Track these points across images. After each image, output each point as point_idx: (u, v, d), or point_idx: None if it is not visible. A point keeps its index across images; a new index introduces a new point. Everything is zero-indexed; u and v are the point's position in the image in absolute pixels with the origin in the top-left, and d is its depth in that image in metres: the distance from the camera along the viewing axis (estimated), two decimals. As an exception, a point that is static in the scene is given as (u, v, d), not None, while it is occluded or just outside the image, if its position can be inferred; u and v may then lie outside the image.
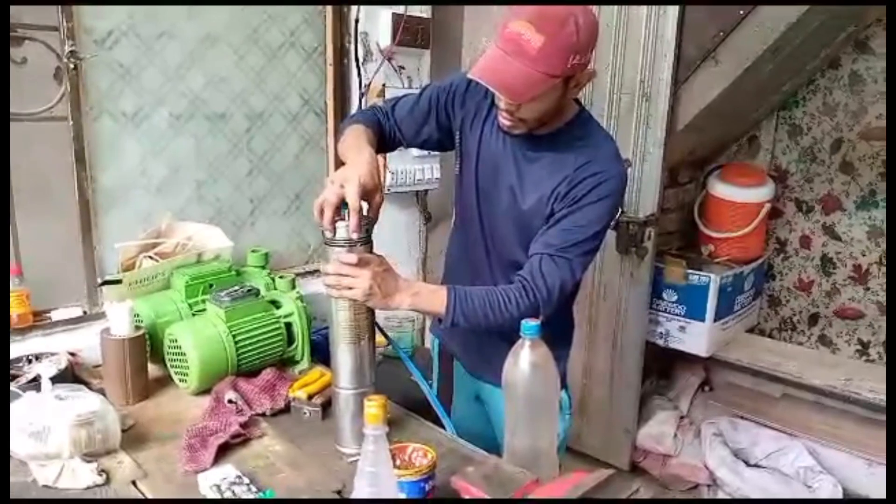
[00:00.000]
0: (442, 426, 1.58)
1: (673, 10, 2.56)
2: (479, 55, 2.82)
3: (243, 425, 1.49)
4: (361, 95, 2.40)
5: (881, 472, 2.77)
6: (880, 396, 2.72)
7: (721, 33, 2.58)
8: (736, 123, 3.24)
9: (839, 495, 2.77)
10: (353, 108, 2.42)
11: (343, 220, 1.34)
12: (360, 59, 2.40)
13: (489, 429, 1.79)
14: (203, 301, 1.81)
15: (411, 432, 1.51)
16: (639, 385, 3.00)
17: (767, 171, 3.25)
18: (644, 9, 2.60)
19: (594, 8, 1.38)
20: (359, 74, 2.40)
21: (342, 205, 1.33)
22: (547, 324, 1.28)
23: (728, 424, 3.10)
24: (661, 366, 3.38)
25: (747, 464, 2.96)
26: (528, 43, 1.25)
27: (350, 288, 1.33)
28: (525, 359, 1.18)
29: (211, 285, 1.85)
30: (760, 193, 3.08)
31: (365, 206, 1.38)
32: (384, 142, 1.63)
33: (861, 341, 3.16)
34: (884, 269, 3.05)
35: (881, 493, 2.76)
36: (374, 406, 0.99)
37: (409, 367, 1.62)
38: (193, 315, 1.80)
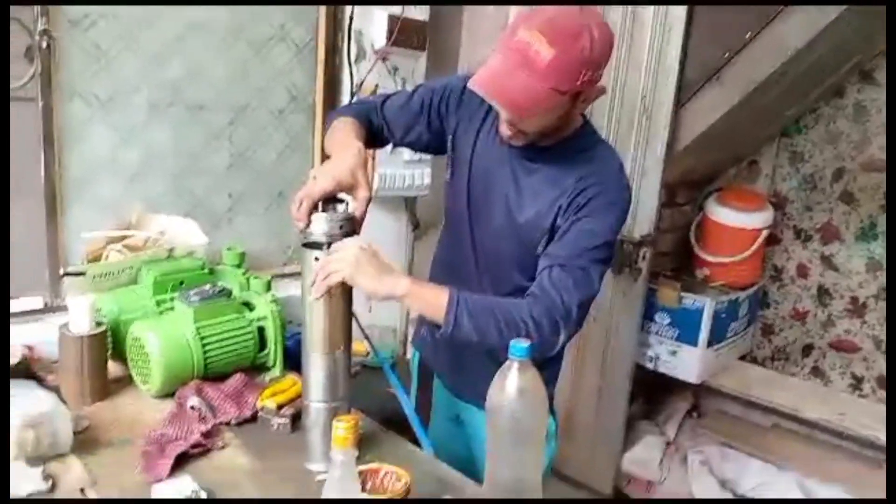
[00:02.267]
0: (419, 445, 1.48)
1: (678, 28, 2.49)
2: (476, 62, 2.77)
3: (205, 434, 1.40)
4: (353, 95, 2.31)
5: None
6: (875, 433, 2.64)
7: (727, 54, 2.51)
8: (737, 147, 3.18)
9: (827, 533, 2.69)
10: (343, 107, 2.33)
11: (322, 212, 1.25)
12: (353, 58, 2.31)
13: (468, 452, 1.69)
14: (172, 299, 1.71)
15: (386, 450, 1.42)
16: (626, 409, 2.90)
17: (767, 197, 3.18)
18: (648, 26, 2.53)
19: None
20: (350, 73, 2.31)
21: (327, 200, 1.25)
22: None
23: (716, 453, 3.01)
24: (649, 389, 3.28)
25: (734, 494, 2.88)
26: (537, 55, 1.15)
27: (336, 264, 1.21)
28: (513, 383, 1.07)
29: (181, 283, 1.75)
30: (759, 219, 3.01)
31: (351, 203, 1.28)
32: (372, 137, 1.54)
33: (854, 375, 3.09)
34: (881, 303, 2.98)
35: (870, 533, 2.67)
36: (343, 428, 0.89)
37: (389, 378, 1.51)
38: (160, 313, 1.70)
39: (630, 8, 2.50)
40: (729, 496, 2.85)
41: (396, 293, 1.25)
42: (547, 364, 1.36)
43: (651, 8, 2.50)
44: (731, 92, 2.56)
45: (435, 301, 1.27)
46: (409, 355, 2.58)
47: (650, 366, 2.97)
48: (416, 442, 1.50)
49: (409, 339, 2.43)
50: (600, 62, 1.22)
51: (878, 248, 2.96)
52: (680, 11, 2.48)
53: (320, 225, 1.25)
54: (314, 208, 1.25)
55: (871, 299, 3.01)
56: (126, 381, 1.62)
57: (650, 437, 3.08)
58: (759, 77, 2.48)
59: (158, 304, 1.71)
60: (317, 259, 1.25)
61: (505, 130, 1.33)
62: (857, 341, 3.07)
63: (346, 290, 1.30)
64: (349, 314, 1.34)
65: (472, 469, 1.64)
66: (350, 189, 1.26)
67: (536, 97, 1.18)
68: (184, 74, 2.00)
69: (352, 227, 1.29)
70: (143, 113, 1.94)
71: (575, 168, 1.35)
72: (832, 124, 3.03)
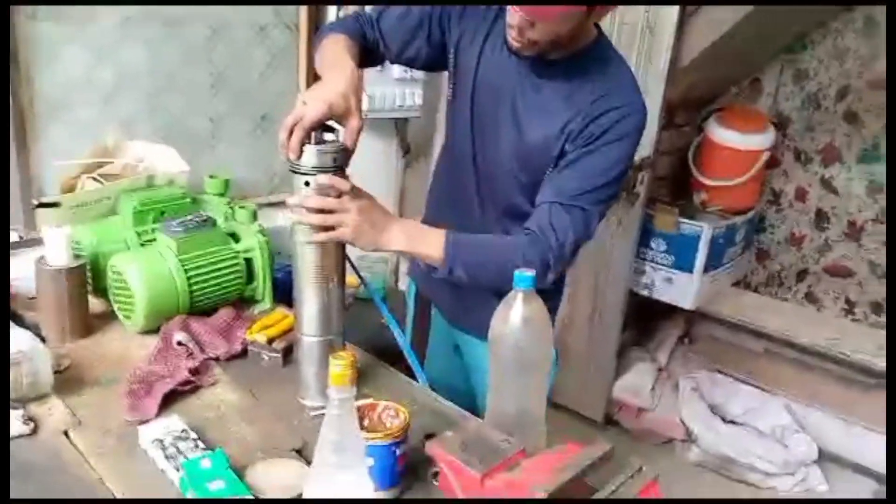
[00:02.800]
0: (415, 377, 1.45)
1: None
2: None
3: (193, 371, 1.35)
4: (338, 9, 2.16)
5: (858, 432, 2.73)
6: (867, 357, 2.65)
7: (735, -37, 2.37)
8: (740, 64, 3.06)
9: (814, 455, 2.74)
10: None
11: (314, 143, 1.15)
12: (341, -30, 2.15)
13: (466, 384, 1.66)
14: (153, 230, 1.62)
15: (381, 384, 1.38)
16: (619, 337, 2.90)
17: (768, 117, 3.08)
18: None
19: None
20: (337, -15, 2.15)
21: (317, 128, 1.15)
22: None
23: (706, 379, 3.04)
24: (641, 315, 3.27)
25: (724, 420, 2.91)
26: None
27: (337, 225, 1.15)
28: (517, 313, 1.02)
29: (163, 213, 1.65)
30: (761, 140, 2.92)
31: (341, 131, 1.19)
32: (367, 55, 1.42)
33: (848, 300, 3.08)
34: (879, 226, 2.94)
35: (857, 455, 2.72)
36: (341, 365, 0.83)
37: (382, 311, 1.46)
38: (142, 245, 1.61)
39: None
40: (718, 421, 2.88)
41: (391, 248, 1.24)
42: (549, 295, 1.31)
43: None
44: (738, 6, 2.43)
45: (428, 249, 1.26)
46: (402, 285, 2.53)
47: (645, 293, 2.95)
48: (411, 374, 1.46)
49: (402, 269, 2.37)
50: None
51: (880, 170, 2.90)
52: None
53: (311, 158, 1.15)
54: (307, 136, 1.15)
55: (868, 223, 2.97)
56: (108, 317, 1.55)
57: (641, 364, 3.09)
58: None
59: (139, 235, 1.62)
60: (307, 184, 1.16)
61: (513, 40, 1.23)
62: (853, 266, 3.04)
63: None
64: (341, 245, 1.27)
65: (470, 400, 1.62)
66: (342, 116, 1.17)
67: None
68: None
69: (344, 158, 1.20)
70: (116, 28, 1.80)
71: (588, 84, 1.26)
72: (840, 39, 2.90)
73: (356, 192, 1.18)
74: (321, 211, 1.16)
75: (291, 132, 1.13)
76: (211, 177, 1.80)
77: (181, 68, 1.95)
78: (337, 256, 1.25)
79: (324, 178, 1.15)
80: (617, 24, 2.51)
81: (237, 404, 1.29)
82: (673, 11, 2.43)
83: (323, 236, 1.17)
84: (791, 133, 3.11)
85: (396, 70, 2.22)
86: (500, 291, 1.09)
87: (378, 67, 2.13)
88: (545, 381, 1.13)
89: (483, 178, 1.41)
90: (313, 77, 2.15)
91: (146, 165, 1.77)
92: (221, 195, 1.80)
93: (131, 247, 1.60)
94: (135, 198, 1.64)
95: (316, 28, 2.17)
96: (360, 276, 1.52)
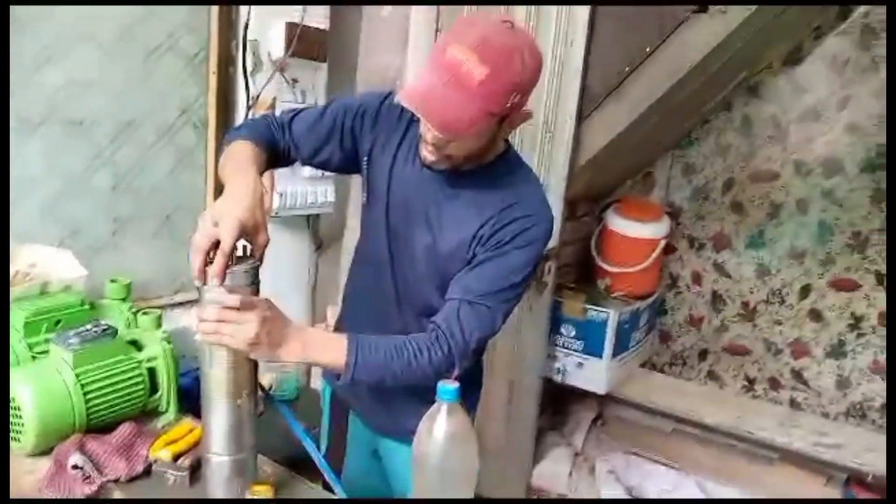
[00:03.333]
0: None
1: (580, 40, 2.50)
2: (374, 73, 2.68)
3: (91, 498, 1.25)
4: (248, 108, 2.16)
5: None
6: (769, 434, 2.77)
7: (626, 69, 2.55)
8: (634, 160, 3.25)
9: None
10: (239, 121, 2.17)
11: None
12: (249, 69, 2.16)
13: (385, 486, 1.62)
14: (47, 341, 1.51)
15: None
16: (535, 424, 2.90)
17: (662, 208, 3.27)
18: (551, 36, 2.52)
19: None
20: (246, 86, 2.16)
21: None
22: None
23: (621, 461, 3.08)
24: (554, 400, 3.31)
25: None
26: (468, 74, 1.10)
27: (231, 336, 1.11)
28: (441, 427, 1.01)
29: (57, 322, 1.56)
30: (657, 229, 3.08)
31: (247, 246, 1.17)
32: (277, 159, 1.42)
33: (747, 377, 3.23)
34: (770, 306, 3.13)
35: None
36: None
37: (291, 425, 1.40)
38: (34, 359, 1.50)
39: (531, 24, 2.48)
40: (636, 503, 2.91)
41: (289, 359, 1.20)
42: (467, 388, 1.31)
43: (553, 21, 2.49)
44: (631, 106, 2.60)
45: (329, 357, 1.24)
46: (314, 384, 2.46)
47: (558, 378, 2.99)
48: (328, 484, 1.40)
49: (315, 368, 2.31)
50: (529, 86, 1.19)
51: (766, 255, 3.11)
52: (582, 20, 2.48)
53: (230, 280, 1.12)
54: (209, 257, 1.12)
55: (761, 304, 3.15)
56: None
57: (558, 450, 3.10)
58: (658, 92, 2.53)
59: (31, 347, 1.51)
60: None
61: (428, 154, 1.26)
62: (748, 344, 3.21)
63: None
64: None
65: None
66: (251, 232, 1.14)
67: (468, 117, 1.13)
68: (60, 86, 1.79)
69: (257, 276, 1.18)
70: (12, 130, 1.73)
71: (499, 193, 1.31)
72: (722, 136, 3.15)
73: (251, 305, 1.13)
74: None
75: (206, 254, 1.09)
76: (112, 281, 1.72)
77: (83, 171, 1.88)
78: (247, 369, 1.21)
79: (216, 294, 1.11)
80: (518, 129, 2.62)
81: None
82: (571, 114, 2.57)
83: (213, 340, 1.12)
84: (684, 222, 3.31)
85: (308, 168, 2.22)
86: (420, 393, 1.08)
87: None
88: (471, 493, 1.11)
89: (400, 281, 1.42)
90: (219, 181, 2.14)
91: (39, 271, 1.67)
92: (123, 300, 1.72)
93: (22, 361, 1.49)
94: (26, 307, 1.54)
95: (224, 128, 2.16)
96: (267, 396, 1.47)
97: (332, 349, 1.23)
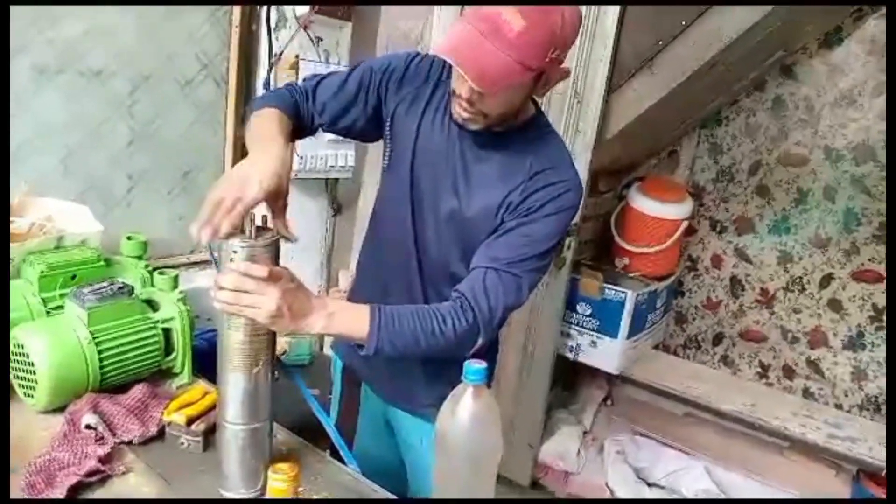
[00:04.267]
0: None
1: (614, 11, 2.42)
2: (396, 36, 2.61)
3: (103, 459, 1.22)
4: (271, 66, 2.10)
5: (774, 494, 2.79)
6: (782, 423, 2.73)
7: (659, 42, 2.47)
8: (660, 136, 3.17)
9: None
10: (260, 79, 2.12)
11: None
12: (272, 25, 2.10)
13: (397, 458, 1.60)
14: (62, 296, 1.48)
15: (309, 470, 1.29)
16: (545, 400, 2.88)
17: (686, 188, 3.20)
18: (583, 8, 2.43)
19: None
20: (269, 42, 2.10)
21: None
22: None
23: (630, 442, 3.06)
24: (565, 377, 3.29)
25: (647, 483, 2.92)
26: (507, 24, 1.06)
27: (252, 307, 1.07)
28: (466, 408, 0.97)
29: (73, 277, 1.53)
30: (680, 210, 3.02)
31: (266, 216, 1.13)
32: (300, 128, 1.38)
33: (762, 364, 3.18)
34: (790, 294, 3.07)
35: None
36: (282, 480, 0.77)
37: (306, 396, 1.37)
38: (48, 314, 1.47)
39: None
40: (643, 485, 2.90)
41: (311, 332, 1.15)
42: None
43: (586, -8, 2.42)
44: (663, 81, 2.52)
45: (352, 329, 1.18)
46: (327, 351, 2.44)
47: (570, 356, 2.95)
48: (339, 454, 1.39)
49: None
50: (567, 43, 1.15)
51: (790, 241, 3.04)
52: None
53: (245, 254, 1.08)
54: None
55: (780, 291, 3.10)
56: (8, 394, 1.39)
57: (567, 427, 3.09)
58: (691, 67, 2.45)
59: (45, 302, 1.48)
60: (235, 252, 1.08)
61: (461, 112, 1.22)
62: (765, 331, 3.16)
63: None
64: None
65: (401, 480, 1.56)
66: (274, 196, 1.10)
67: (506, 70, 1.09)
68: (78, 34, 1.73)
69: (276, 250, 1.13)
70: (28, 79, 1.67)
71: (529, 158, 1.26)
72: (752, 117, 3.07)
73: (277, 275, 1.08)
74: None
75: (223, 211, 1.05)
76: (128, 238, 1.69)
77: (100, 123, 1.83)
78: (266, 338, 1.17)
79: (240, 265, 1.06)
80: (548, 94, 2.55)
81: (153, 496, 1.17)
82: (601, 85, 2.50)
83: (232, 310, 1.08)
84: (707, 203, 3.24)
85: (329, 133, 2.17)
86: (435, 365, 1.04)
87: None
88: (494, 474, 1.08)
89: (422, 248, 1.38)
90: (240, 140, 2.08)
91: (55, 224, 1.64)
92: (139, 258, 1.68)
93: (36, 316, 1.46)
94: (41, 260, 1.51)
95: (245, 84, 2.11)
96: (284, 370, 1.44)
97: (355, 321, 1.18)
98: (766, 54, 2.78)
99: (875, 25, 2.74)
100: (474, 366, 0.97)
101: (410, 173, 1.35)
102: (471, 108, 1.19)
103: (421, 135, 1.34)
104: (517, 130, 1.29)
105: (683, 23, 2.41)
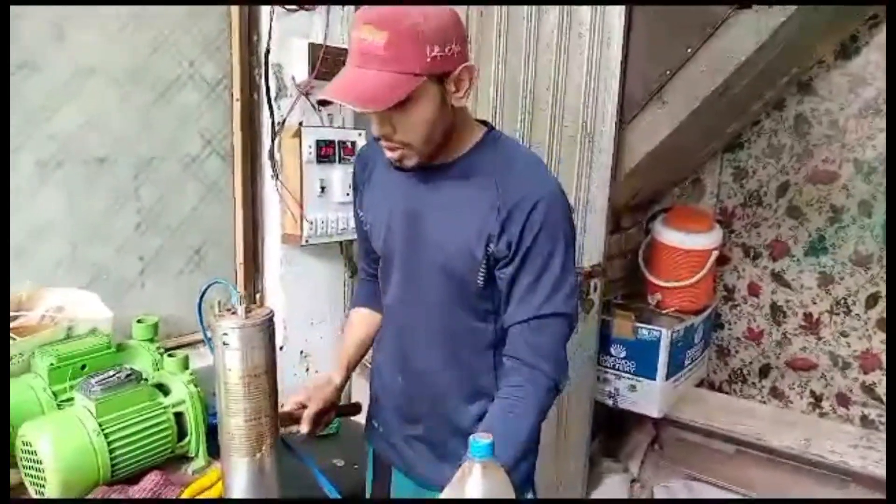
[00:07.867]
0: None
1: (617, 39, 2.39)
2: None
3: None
4: (274, 134, 2.10)
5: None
6: (841, 458, 2.57)
7: (667, 71, 2.42)
8: (680, 166, 3.10)
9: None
10: (265, 149, 2.12)
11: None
12: (273, 95, 2.11)
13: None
14: (72, 388, 1.46)
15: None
16: (587, 452, 2.76)
17: (714, 216, 3.10)
18: (586, 39, 2.40)
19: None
20: (271, 111, 2.10)
21: None
22: None
23: (681, 489, 2.90)
24: (608, 424, 3.16)
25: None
26: (373, 45, 1.06)
27: None
28: (475, 489, 0.88)
29: (83, 367, 1.50)
30: (709, 239, 2.92)
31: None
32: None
33: (814, 393, 3.02)
34: (835, 317, 2.92)
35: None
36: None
37: (323, 486, 1.30)
38: (59, 407, 1.45)
39: (565, 24, 2.36)
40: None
41: None
42: None
43: (587, 23, 2.37)
44: (676, 109, 2.47)
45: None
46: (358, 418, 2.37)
47: (609, 402, 2.84)
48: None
49: (354, 397, 2.23)
50: (443, 35, 1.09)
51: (829, 262, 2.91)
52: (618, 20, 2.37)
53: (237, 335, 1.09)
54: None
55: (824, 314, 2.95)
56: (20, 490, 1.36)
57: (614, 476, 2.95)
58: (703, 93, 2.40)
59: (56, 395, 1.46)
60: (225, 335, 1.06)
61: (389, 153, 1.20)
62: (814, 358, 3.00)
63: (269, 376, 1.11)
64: (274, 404, 1.15)
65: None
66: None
67: (387, 84, 1.07)
68: (76, 127, 1.75)
69: (270, 329, 1.13)
70: (30, 175, 1.69)
71: (492, 181, 1.19)
72: (774, 137, 2.98)
73: None
74: None
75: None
76: (139, 321, 1.67)
77: (106, 211, 1.84)
78: (270, 418, 1.13)
79: None
80: (558, 134, 2.51)
81: None
82: (611, 119, 2.45)
83: None
84: (737, 229, 3.14)
85: (338, 194, 2.16)
86: (463, 438, 0.96)
87: (318, 192, 2.10)
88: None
89: (431, 310, 1.32)
90: (249, 212, 2.10)
91: (66, 314, 1.63)
92: (150, 340, 1.66)
93: (46, 410, 1.43)
94: (51, 353, 1.49)
95: (251, 155, 2.11)
96: (299, 457, 1.38)
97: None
98: (780, 72, 2.72)
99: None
100: (481, 441, 0.89)
101: (384, 238, 1.34)
102: (394, 143, 1.17)
103: (385, 204, 1.34)
104: (469, 156, 1.23)
105: (689, 49, 2.36)
